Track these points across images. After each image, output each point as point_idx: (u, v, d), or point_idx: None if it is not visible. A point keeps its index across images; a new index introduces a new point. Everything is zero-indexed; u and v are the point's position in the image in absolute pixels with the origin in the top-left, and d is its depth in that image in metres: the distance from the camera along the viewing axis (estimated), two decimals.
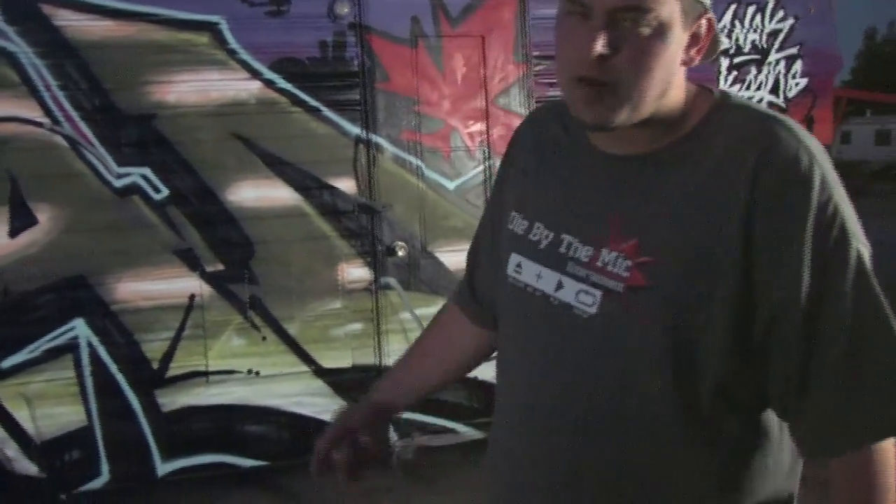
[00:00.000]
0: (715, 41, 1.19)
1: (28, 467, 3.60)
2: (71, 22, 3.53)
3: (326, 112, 3.84)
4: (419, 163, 3.98)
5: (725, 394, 1.14)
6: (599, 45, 1.07)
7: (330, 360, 3.91)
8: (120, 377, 3.69)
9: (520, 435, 1.28)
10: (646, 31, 1.09)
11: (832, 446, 1.12)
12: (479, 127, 4.06)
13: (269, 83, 3.76)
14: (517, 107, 4.07)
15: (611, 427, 1.17)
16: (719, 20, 4.31)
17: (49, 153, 3.56)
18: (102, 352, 3.66)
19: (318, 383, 3.91)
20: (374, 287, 3.94)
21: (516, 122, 3.96)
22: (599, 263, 1.17)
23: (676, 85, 1.16)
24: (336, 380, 3.93)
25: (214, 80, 3.71)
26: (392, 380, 1.58)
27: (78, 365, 3.64)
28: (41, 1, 3.49)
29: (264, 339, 3.83)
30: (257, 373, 3.83)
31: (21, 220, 3.54)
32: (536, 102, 4.00)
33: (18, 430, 3.57)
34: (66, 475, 3.67)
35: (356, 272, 3.92)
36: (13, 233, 3.53)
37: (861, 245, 1.11)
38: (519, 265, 1.28)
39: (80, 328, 3.63)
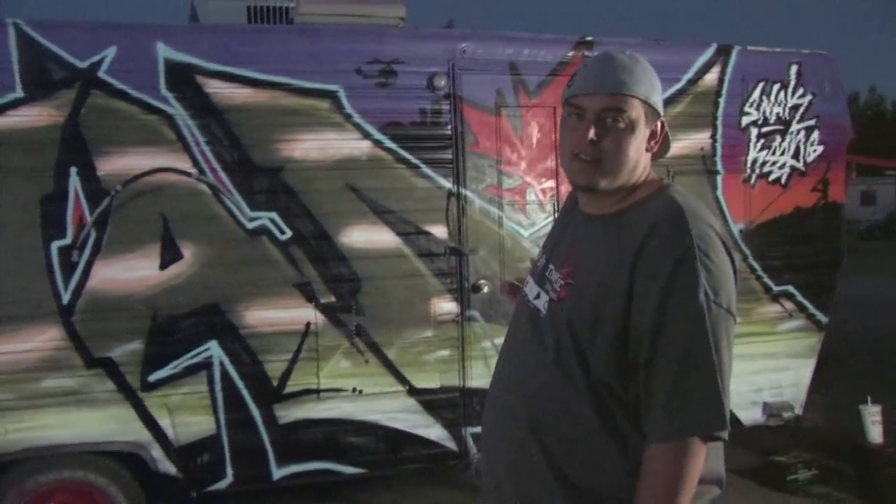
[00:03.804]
0: (667, 139, 1.82)
1: (168, 467, 4.12)
2: (218, 89, 4.15)
3: (424, 169, 4.46)
4: (500, 213, 4.61)
5: (610, 390, 1.62)
6: (591, 134, 1.70)
7: (421, 381, 4.46)
8: (245, 392, 4.22)
9: (499, 393, 1.88)
10: (621, 125, 1.72)
11: (662, 434, 1.55)
12: (550, 184, 4.73)
13: (377, 143, 4.37)
14: None
15: (536, 391, 1.74)
16: (749, 96, 5.02)
17: (194, 198, 4.14)
18: (231, 370, 4.19)
19: (411, 401, 4.46)
20: (460, 319, 4.53)
21: None
22: (555, 283, 1.78)
23: (642, 166, 1.78)
24: (426, 399, 4.48)
25: (332, 139, 4.32)
26: None
27: (211, 381, 4.17)
28: (195, 72, 4.12)
29: (367, 361, 4.38)
30: (360, 391, 4.37)
31: (170, 255, 4.10)
32: None
33: (162, 435, 4.10)
34: (198, 476, 4.19)
35: (445, 306, 4.51)
36: (163, 265, 4.09)
37: (705, 298, 1.54)
38: (528, 283, 1.93)
39: (213, 349, 4.17)
